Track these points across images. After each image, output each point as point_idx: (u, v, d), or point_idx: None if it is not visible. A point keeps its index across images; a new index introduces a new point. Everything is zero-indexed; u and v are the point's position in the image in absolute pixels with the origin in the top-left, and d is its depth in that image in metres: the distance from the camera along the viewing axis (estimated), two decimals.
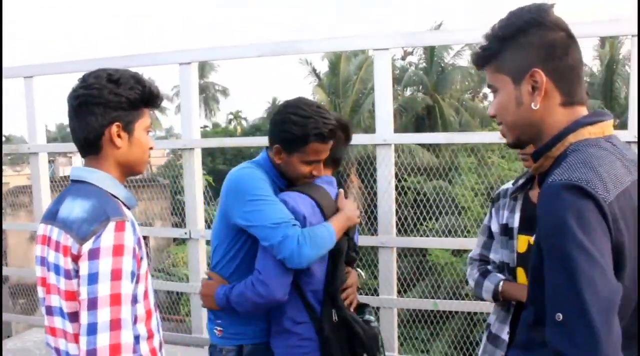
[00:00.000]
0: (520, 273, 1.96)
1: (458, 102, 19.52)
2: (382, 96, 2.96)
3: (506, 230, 2.01)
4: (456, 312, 6.93)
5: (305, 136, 1.88)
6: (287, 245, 1.77)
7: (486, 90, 21.32)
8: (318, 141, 1.90)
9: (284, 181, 2.05)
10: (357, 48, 3.29)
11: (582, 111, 1.21)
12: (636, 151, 1.15)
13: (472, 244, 2.27)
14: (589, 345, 0.96)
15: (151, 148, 1.59)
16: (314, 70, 20.54)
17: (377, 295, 3.09)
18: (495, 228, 2.10)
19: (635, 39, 2.61)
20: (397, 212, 3.11)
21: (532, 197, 1.97)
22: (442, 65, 19.87)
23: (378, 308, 3.04)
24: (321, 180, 2.04)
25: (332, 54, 19.22)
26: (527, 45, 1.18)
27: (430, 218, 6.83)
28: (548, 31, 1.17)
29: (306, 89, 21.00)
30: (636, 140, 2.62)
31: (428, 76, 19.62)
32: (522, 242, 1.95)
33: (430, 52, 19.43)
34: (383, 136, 2.96)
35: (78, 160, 12.16)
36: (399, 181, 6.72)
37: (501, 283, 2.00)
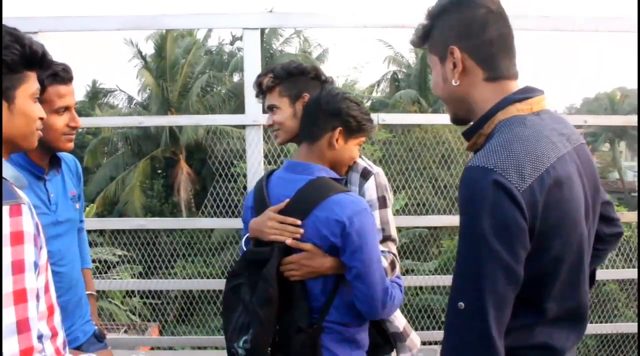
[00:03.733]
0: None
1: None
2: (252, 76, 2.91)
3: None
4: None
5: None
6: None
7: None
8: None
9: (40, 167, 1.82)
10: (227, 26, 3.16)
11: (512, 86, 1.22)
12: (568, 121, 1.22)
13: None
14: (480, 339, 1.06)
15: (42, 119, 1.34)
16: (140, 51, 19.50)
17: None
18: None
19: (635, 34, 2.78)
20: (227, 198, 3.07)
21: None
22: (271, 51, 20.08)
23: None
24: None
25: (157, 35, 18.45)
26: (447, 24, 1.22)
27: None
28: (466, 9, 1.20)
29: (131, 72, 19.90)
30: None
31: None
32: None
33: (260, 38, 19.48)
34: (253, 117, 2.90)
35: None
36: (229, 167, 6.68)
37: None
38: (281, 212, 1.64)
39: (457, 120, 1.33)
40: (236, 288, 1.69)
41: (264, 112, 2.95)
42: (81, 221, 2.12)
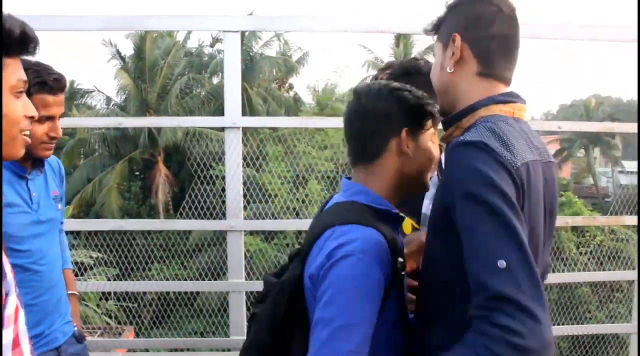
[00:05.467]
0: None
1: (266, 92, 19.88)
2: (231, 79, 2.93)
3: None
4: None
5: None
6: None
7: (292, 80, 22.07)
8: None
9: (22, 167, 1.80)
10: (208, 29, 3.16)
11: (500, 88, 1.24)
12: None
13: None
14: (534, 292, 0.98)
15: (32, 118, 1.08)
16: (119, 52, 19.32)
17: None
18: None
19: (636, 44, 2.84)
20: (206, 200, 3.09)
21: None
22: (251, 54, 20.05)
23: (227, 293, 3.02)
24: None
25: (137, 35, 18.30)
26: (458, 13, 1.26)
27: (244, 207, 6.89)
28: (480, 4, 1.24)
29: (110, 73, 19.68)
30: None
31: None
32: (407, 225, 2.02)
33: (240, 41, 19.44)
34: (232, 119, 2.91)
35: None
36: (208, 170, 6.68)
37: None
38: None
39: (442, 113, 1.34)
40: (251, 318, 1.40)
41: (244, 114, 2.98)
42: (61, 222, 2.12)
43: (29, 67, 1.60)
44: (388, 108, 1.30)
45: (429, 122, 1.34)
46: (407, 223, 1.94)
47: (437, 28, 1.32)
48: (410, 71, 1.78)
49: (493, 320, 0.97)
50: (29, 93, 1.46)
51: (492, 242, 1.01)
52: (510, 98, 1.22)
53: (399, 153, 1.30)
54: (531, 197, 1.11)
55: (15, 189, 1.79)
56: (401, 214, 1.36)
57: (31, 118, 1.08)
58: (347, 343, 1.11)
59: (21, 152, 1.07)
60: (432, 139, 1.38)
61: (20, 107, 1.04)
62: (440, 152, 1.62)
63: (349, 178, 1.39)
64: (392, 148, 1.30)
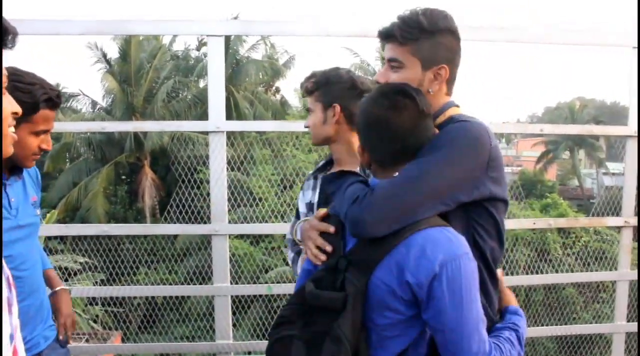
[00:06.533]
0: None
1: (252, 95, 19.86)
2: (215, 83, 2.93)
3: (311, 207, 2.14)
4: (257, 299, 7.07)
5: None
6: None
7: (279, 83, 22.08)
8: None
9: None
10: (192, 33, 3.14)
11: (449, 98, 1.57)
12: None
13: None
14: (388, 193, 1.30)
15: (15, 114, 1.05)
16: (104, 55, 19.19)
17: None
18: (302, 208, 2.21)
19: (635, 50, 2.90)
20: (191, 204, 3.08)
21: None
22: (237, 57, 20.02)
23: (213, 297, 3.03)
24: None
25: (122, 39, 18.19)
26: (442, 44, 1.48)
27: (229, 211, 6.88)
28: (456, 40, 1.51)
29: (95, 76, 19.52)
30: (636, 135, 2.98)
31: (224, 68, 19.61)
32: None
33: (226, 44, 19.44)
34: (216, 123, 2.92)
35: None
36: (193, 173, 6.66)
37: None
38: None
39: None
40: (285, 340, 1.29)
41: (227, 118, 2.98)
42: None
43: (34, 83, 1.72)
44: (430, 108, 1.42)
45: None
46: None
47: (407, 42, 1.48)
48: (332, 80, 1.98)
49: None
50: (36, 109, 1.64)
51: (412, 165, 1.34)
52: (455, 103, 1.56)
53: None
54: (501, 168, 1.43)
55: None
56: None
57: (14, 114, 1.06)
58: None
59: (11, 149, 1.07)
60: None
61: (6, 104, 1.02)
62: None
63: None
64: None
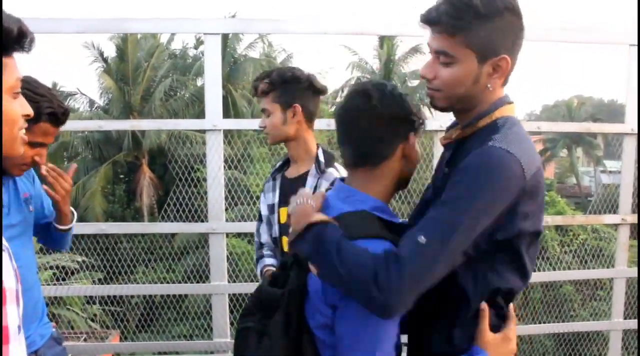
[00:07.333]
0: (285, 241, 2.08)
1: (250, 93, 19.84)
2: (212, 81, 2.94)
3: (272, 208, 2.16)
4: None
5: None
6: None
7: None
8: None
9: None
10: (189, 31, 3.16)
11: (504, 92, 1.31)
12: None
13: None
14: (418, 271, 1.12)
15: (27, 116, 1.08)
16: (102, 54, 19.15)
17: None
18: (264, 210, 2.23)
19: (633, 48, 2.91)
20: (188, 203, 3.08)
21: (287, 175, 2.16)
22: (235, 56, 19.99)
23: (211, 295, 3.02)
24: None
25: (120, 37, 18.15)
26: (501, 30, 1.21)
27: (226, 209, 6.89)
28: (517, 18, 1.23)
29: (92, 75, 19.47)
30: (633, 132, 2.99)
31: (221, 66, 19.57)
32: (283, 214, 2.10)
33: (224, 42, 19.41)
34: (213, 121, 2.91)
35: None
36: (190, 172, 6.65)
37: (265, 269, 2.18)
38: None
39: (445, 110, 1.33)
40: (244, 332, 1.35)
41: (225, 116, 2.98)
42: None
43: (44, 94, 1.69)
44: (400, 112, 1.29)
45: (421, 128, 1.36)
46: (284, 212, 2.06)
47: (458, 31, 1.21)
48: (287, 80, 1.98)
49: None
50: (37, 120, 1.61)
51: (433, 222, 1.16)
52: (510, 99, 1.30)
53: (402, 156, 1.31)
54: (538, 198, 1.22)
55: None
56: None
57: (26, 116, 1.09)
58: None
59: (21, 150, 1.09)
60: (417, 148, 1.42)
61: (18, 107, 1.05)
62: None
63: (342, 180, 1.39)
64: (399, 151, 1.30)
